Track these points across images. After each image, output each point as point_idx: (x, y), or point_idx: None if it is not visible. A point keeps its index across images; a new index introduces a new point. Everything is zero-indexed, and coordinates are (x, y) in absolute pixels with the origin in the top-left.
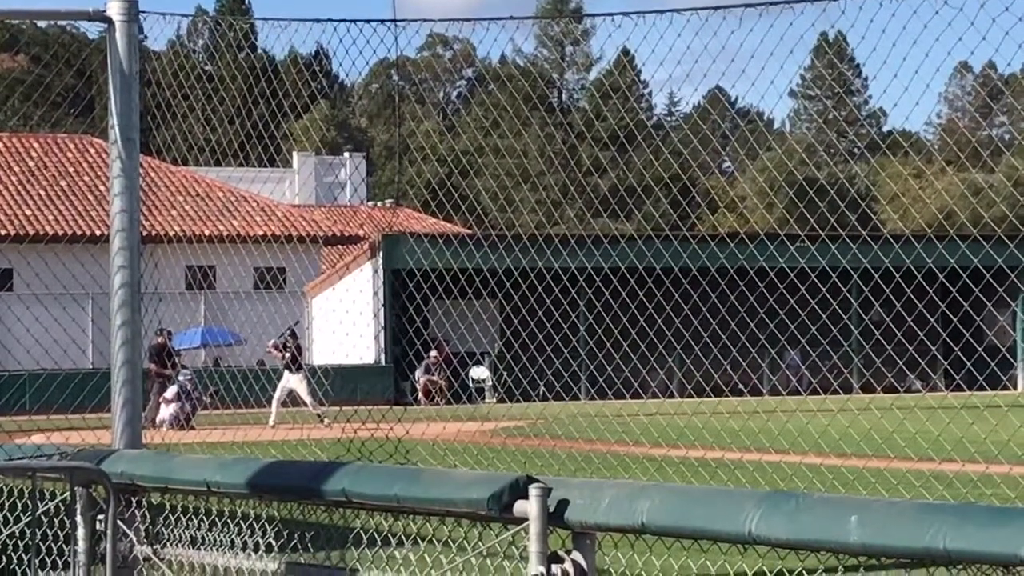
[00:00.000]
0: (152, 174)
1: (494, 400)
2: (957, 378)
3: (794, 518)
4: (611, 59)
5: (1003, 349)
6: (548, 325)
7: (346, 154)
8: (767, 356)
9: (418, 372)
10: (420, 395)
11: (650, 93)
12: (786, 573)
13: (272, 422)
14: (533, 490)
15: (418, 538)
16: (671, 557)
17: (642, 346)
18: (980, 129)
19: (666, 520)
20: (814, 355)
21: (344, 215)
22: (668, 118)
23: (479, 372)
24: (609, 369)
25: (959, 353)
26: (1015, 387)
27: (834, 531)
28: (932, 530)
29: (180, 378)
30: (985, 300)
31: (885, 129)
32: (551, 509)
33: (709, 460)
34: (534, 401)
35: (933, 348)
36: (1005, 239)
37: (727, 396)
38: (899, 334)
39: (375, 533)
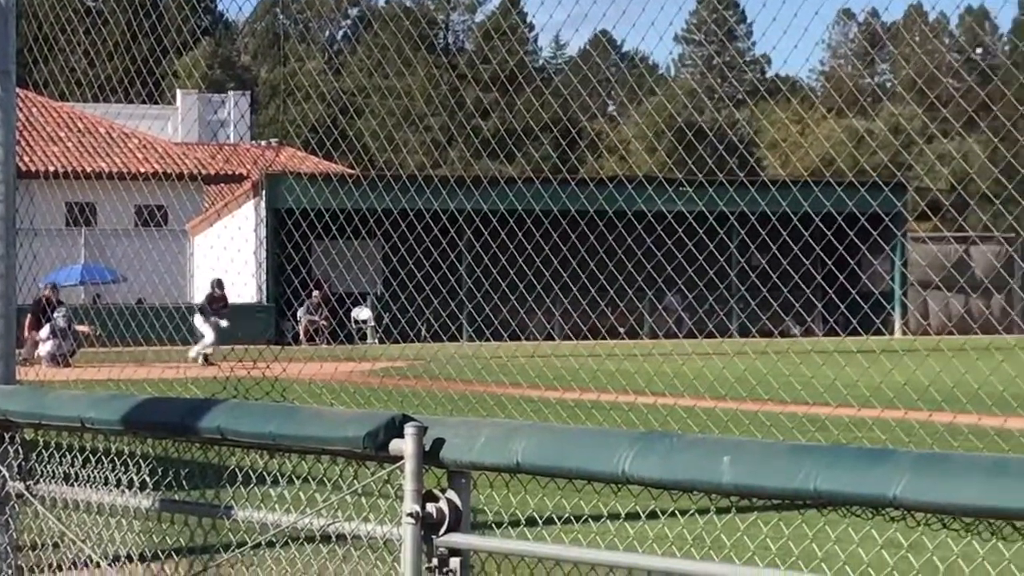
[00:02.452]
0: (32, 109)
1: (375, 341)
2: (832, 321)
3: (668, 458)
4: (497, 1)
5: (876, 293)
6: (428, 266)
7: (230, 92)
8: (645, 299)
9: (299, 312)
10: (301, 335)
11: (536, 36)
12: (659, 513)
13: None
14: (409, 428)
15: (293, 476)
16: (546, 497)
17: (521, 288)
18: (861, 76)
19: (541, 460)
20: (690, 297)
21: (227, 153)
22: (553, 61)
23: (361, 313)
24: (488, 310)
25: (834, 297)
26: (891, 332)
27: (707, 471)
28: (803, 471)
29: (55, 315)
30: (861, 245)
31: (768, 75)
32: (427, 448)
33: (585, 401)
34: (415, 342)
35: (808, 292)
36: (882, 184)
37: (605, 338)
38: (775, 277)
39: (250, 471)
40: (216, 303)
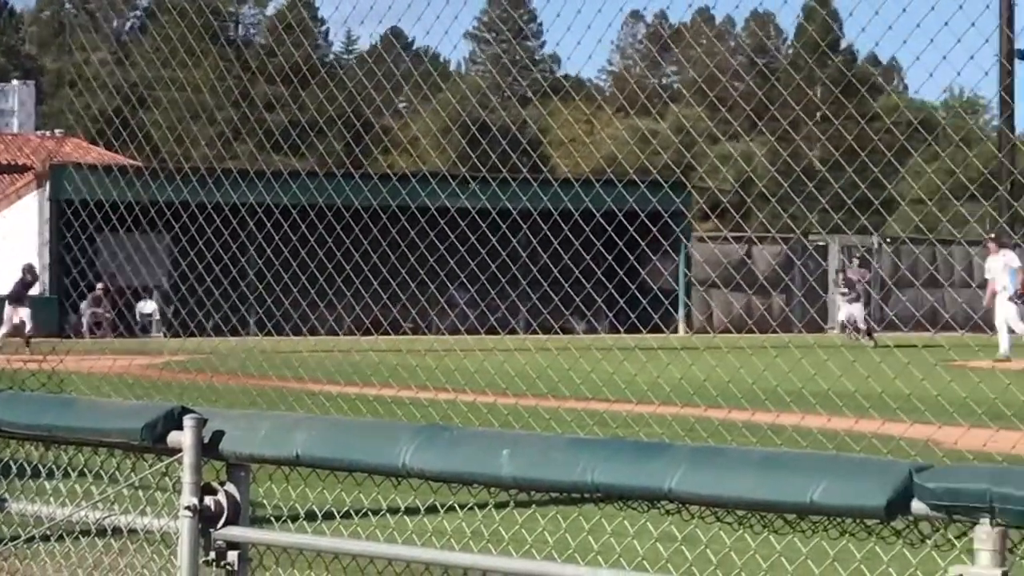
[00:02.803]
0: None
1: (161, 334)
2: (612, 318)
3: (447, 451)
4: None
5: (656, 290)
6: (210, 259)
7: (15, 81)
8: (428, 293)
9: (84, 305)
10: (85, 328)
11: (327, 31)
12: (439, 507)
13: None
14: (187, 420)
15: (69, 469)
16: (326, 490)
17: (303, 280)
18: (648, 77)
19: (321, 452)
20: (472, 291)
21: (12, 144)
22: (345, 56)
23: (145, 306)
24: (287, 304)
25: (615, 294)
26: (674, 331)
27: (486, 465)
28: (581, 464)
29: None
30: (642, 243)
31: (560, 75)
32: (206, 440)
33: (367, 395)
34: (205, 336)
35: (589, 288)
36: (663, 183)
37: (388, 332)
38: (555, 272)
39: (25, 463)
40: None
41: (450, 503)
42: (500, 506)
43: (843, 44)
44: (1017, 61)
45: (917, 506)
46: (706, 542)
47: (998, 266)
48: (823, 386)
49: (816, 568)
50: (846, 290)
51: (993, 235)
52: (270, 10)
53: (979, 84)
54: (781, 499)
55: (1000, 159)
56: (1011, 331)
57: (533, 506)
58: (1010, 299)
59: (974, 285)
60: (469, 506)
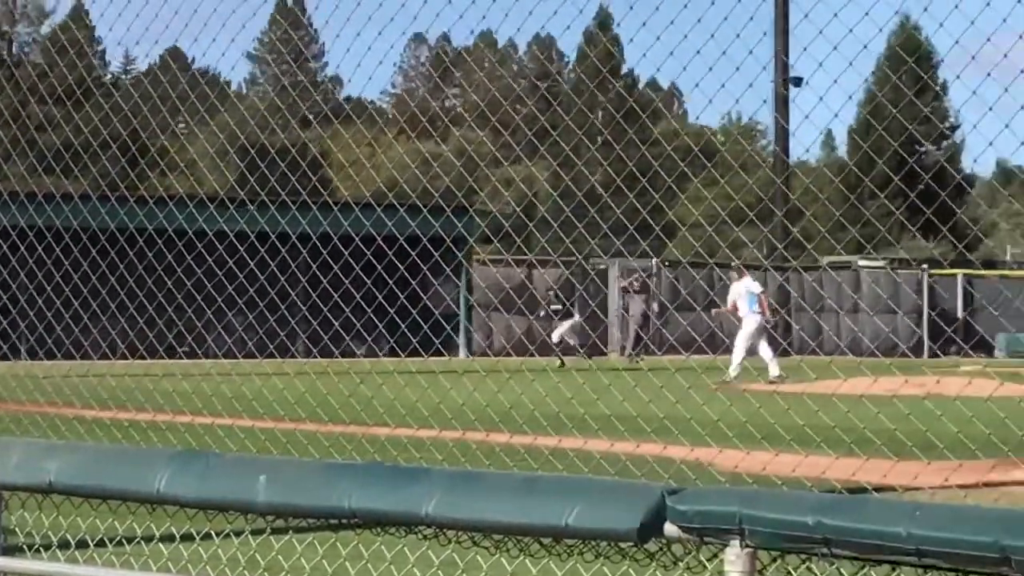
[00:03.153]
0: None
1: None
2: (392, 342)
3: (204, 477)
4: (66, 13)
5: (437, 314)
6: None
7: None
8: (205, 317)
9: None
10: None
11: (104, 50)
12: (195, 534)
13: None
14: None
15: None
16: (79, 517)
17: (76, 305)
18: (430, 100)
19: (74, 479)
20: (251, 316)
21: None
22: (123, 76)
23: None
24: (59, 330)
25: (396, 317)
26: (455, 354)
27: (243, 491)
28: (339, 490)
29: None
30: (423, 267)
31: (342, 96)
32: None
33: (122, 420)
34: None
35: (370, 312)
36: (445, 207)
37: (163, 357)
38: (336, 297)
39: None
40: None
41: (207, 529)
42: (257, 532)
43: (624, 69)
44: (792, 88)
45: (669, 529)
46: (463, 567)
47: (741, 290)
48: (605, 410)
49: None
50: (559, 307)
51: (736, 262)
52: (45, 29)
53: (757, 111)
54: (536, 523)
55: (777, 184)
56: (752, 352)
57: (290, 532)
58: (755, 321)
59: (751, 309)
60: (226, 533)
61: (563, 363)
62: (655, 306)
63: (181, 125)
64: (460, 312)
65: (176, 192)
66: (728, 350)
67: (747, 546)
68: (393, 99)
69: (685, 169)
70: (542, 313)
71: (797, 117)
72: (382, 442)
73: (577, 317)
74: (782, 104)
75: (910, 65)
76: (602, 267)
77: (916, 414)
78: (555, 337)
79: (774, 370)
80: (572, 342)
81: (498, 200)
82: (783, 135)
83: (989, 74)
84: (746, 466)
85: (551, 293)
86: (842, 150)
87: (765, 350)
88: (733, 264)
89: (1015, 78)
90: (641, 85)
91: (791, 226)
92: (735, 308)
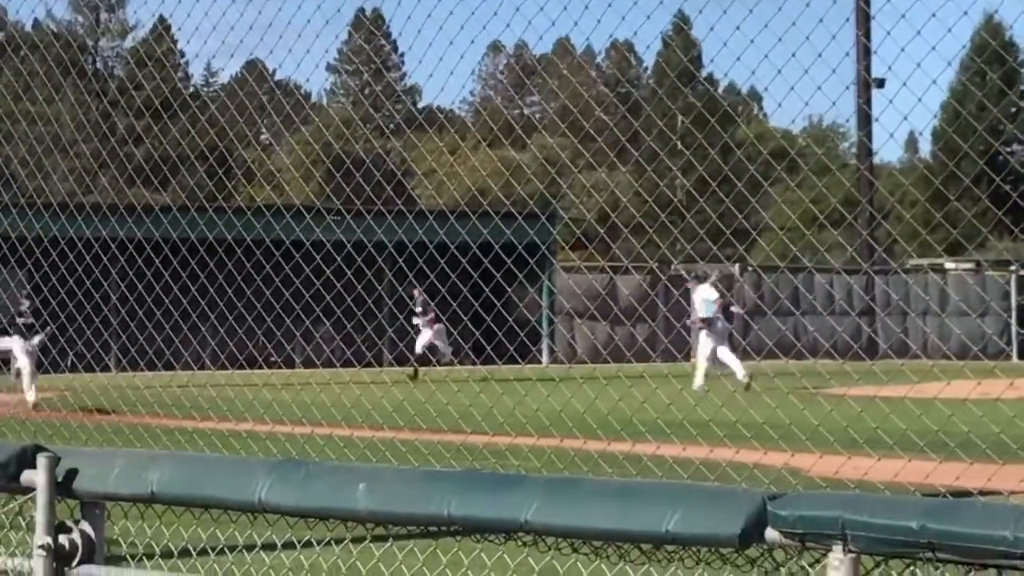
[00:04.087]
0: None
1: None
2: (489, 349)
3: (304, 486)
4: (148, 27)
5: (527, 322)
6: (79, 294)
7: None
8: (303, 327)
9: None
10: None
11: (187, 62)
12: (295, 542)
13: None
14: (41, 459)
15: None
16: (181, 526)
17: (176, 316)
18: (513, 107)
19: (176, 489)
20: (349, 326)
21: None
22: (205, 88)
23: (4, 343)
24: (142, 339)
25: (492, 325)
26: (541, 361)
27: (342, 499)
28: (437, 497)
29: None
30: (518, 273)
31: (421, 105)
32: (59, 479)
33: (222, 430)
34: (63, 372)
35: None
36: (539, 213)
37: (262, 367)
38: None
39: None
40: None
41: (307, 538)
42: (357, 540)
43: (703, 73)
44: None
45: (771, 534)
46: (564, 573)
47: (698, 299)
48: (703, 416)
49: None
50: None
51: (684, 271)
52: (128, 43)
53: (839, 112)
54: (636, 529)
55: (860, 185)
56: (716, 361)
57: (391, 540)
58: (708, 326)
59: (853, 313)
60: (326, 541)
61: (416, 374)
62: (739, 310)
63: (263, 135)
64: (542, 318)
65: (268, 202)
66: (817, 354)
67: (850, 551)
68: (473, 107)
69: (768, 173)
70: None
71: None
72: (480, 449)
73: (439, 325)
74: (865, 103)
75: (996, 57)
76: (680, 273)
77: (1022, 417)
78: (419, 348)
79: (740, 373)
80: (441, 346)
81: (576, 207)
82: (867, 136)
83: None
84: (847, 472)
85: (419, 298)
86: (924, 151)
87: (726, 355)
88: (691, 273)
89: None
90: (721, 89)
91: (870, 229)
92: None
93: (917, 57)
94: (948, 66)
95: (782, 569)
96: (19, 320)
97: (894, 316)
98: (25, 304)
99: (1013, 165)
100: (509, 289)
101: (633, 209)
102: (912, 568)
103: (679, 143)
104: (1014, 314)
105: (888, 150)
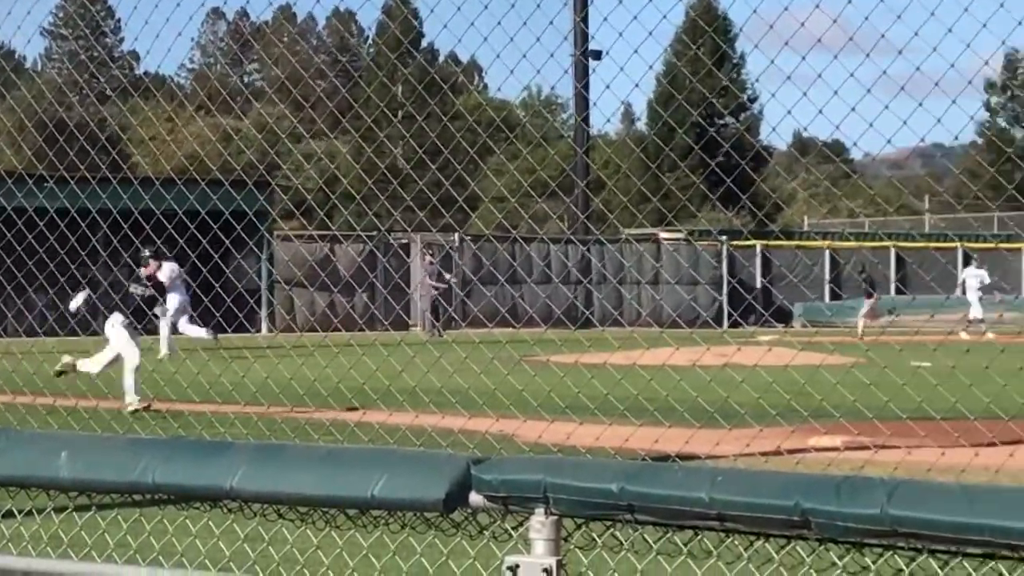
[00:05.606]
0: None
1: None
2: (195, 317)
3: (4, 454)
4: None
5: (241, 289)
6: None
7: None
8: (16, 297)
9: None
10: None
11: None
12: None
13: None
14: None
15: None
16: None
17: None
18: (230, 75)
19: None
20: (52, 293)
21: None
22: None
23: None
24: None
25: (199, 293)
26: (258, 329)
27: (45, 467)
28: (142, 464)
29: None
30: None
31: (139, 72)
32: None
33: None
34: None
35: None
36: (250, 184)
37: None
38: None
39: None
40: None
41: (7, 507)
42: (60, 509)
43: (424, 43)
44: (592, 60)
45: (475, 498)
46: (269, 540)
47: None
48: (409, 383)
49: (377, 562)
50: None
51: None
52: None
53: (558, 83)
54: (342, 494)
55: (579, 155)
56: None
57: (93, 508)
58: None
59: (556, 280)
60: (27, 510)
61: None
62: (454, 279)
63: None
64: (263, 286)
65: None
66: (530, 322)
67: (552, 514)
68: (191, 74)
69: (488, 142)
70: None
71: (597, 89)
72: (186, 417)
73: (180, 296)
74: (582, 76)
75: (708, 36)
76: (404, 241)
77: (718, 382)
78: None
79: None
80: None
81: (300, 174)
82: (583, 107)
83: (787, 43)
84: (550, 436)
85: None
86: (641, 123)
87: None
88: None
89: (811, 47)
90: (441, 59)
91: (593, 198)
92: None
93: (632, 32)
94: (651, 38)
95: (485, 532)
96: None
97: (609, 286)
98: None
99: (716, 140)
100: (223, 261)
101: (356, 178)
102: (612, 530)
103: (400, 111)
104: (725, 285)
105: (608, 123)
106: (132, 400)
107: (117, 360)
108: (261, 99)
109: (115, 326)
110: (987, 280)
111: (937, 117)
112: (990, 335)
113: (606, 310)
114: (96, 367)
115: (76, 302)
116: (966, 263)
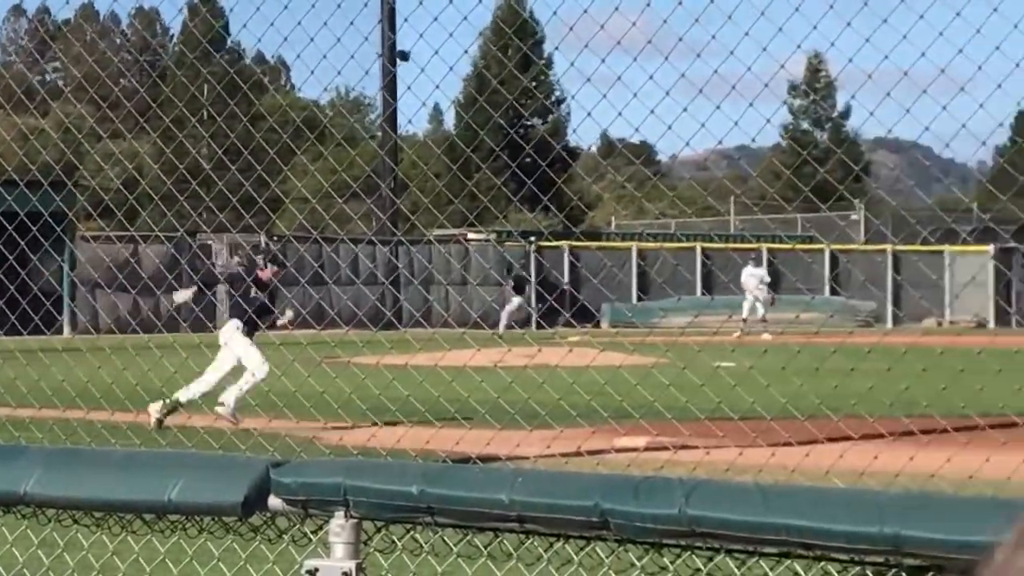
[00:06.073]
0: None
1: None
2: None
3: None
4: None
5: (36, 291)
6: None
7: None
8: None
9: None
10: None
11: None
12: None
13: None
14: None
15: None
16: None
17: None
18: (35, 72)
19: None
20: None
21: None
22: None
23: None
24: None
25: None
26: (60, 332)
27: None
28: None
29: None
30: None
31: None
32: None
33: None
34: None
35: None
36: (46, 185)
37: None
38: None
39: None
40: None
41: None
42: None
43: (229, 43)
44: (400, 62)
45: (274, 502)
46: (64, 545)
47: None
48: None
49: (175, 568)
50: None
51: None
52: None
53: (362, 83)
54: (138, 498)
55: (383, 157)
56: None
57: None
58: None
59: (359, 282)
60: None
61: None
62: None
63: None
64: (63, 289)
65: None
66: (333, 324)
67: (351, 517)
68: None
69: (290, 143)
70: None
71: (405, 91)
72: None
73: None
74: (388, 76)
75: (513, 39)
76: (208, 242)
77: (519, 383)
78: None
79: None
80: None
81: (100, 175)
82: (389, 107)
83: (587, 46)
84: (351, 438)
85: None
86: (449, 124)
87: None
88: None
89: (611, 49)
90: (247, 59)
91: (396, 199)
92: None
93: (438, 33)
94: (454, 40)
95: (285, 536)
96: None
97: (414, 288)
98: None
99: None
100: (20, 263)
101: (157, 179)
102: (412, 533)
103: (204, 111)
104: (533, 286)
105: (417, 121)
106: None
107: None
108: (61, 99)
109: None
110: (767, 279)
111: (735, 120)
112: (767, 335)
113: (413, 312)
114: None
115: (182, 296)
116: (757, 264)
